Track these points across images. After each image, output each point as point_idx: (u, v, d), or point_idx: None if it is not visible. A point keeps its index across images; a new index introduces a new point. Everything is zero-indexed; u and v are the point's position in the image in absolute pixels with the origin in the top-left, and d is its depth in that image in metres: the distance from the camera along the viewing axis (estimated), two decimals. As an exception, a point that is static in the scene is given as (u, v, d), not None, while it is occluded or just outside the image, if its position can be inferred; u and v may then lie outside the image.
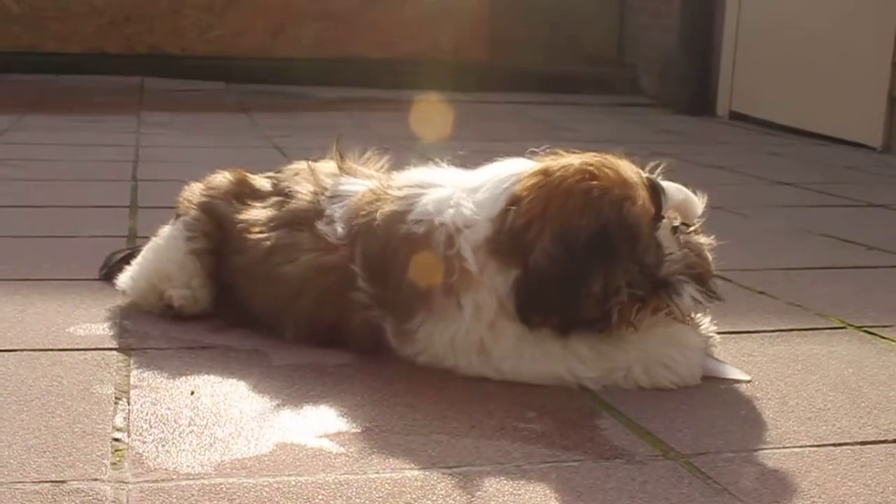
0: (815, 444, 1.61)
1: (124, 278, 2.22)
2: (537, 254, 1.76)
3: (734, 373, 1.90)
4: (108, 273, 2.36)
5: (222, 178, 2.26)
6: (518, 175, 1.85)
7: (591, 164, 1.81)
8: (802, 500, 1.41)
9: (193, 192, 2.27)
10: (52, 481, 1.39)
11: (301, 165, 2.21)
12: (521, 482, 1.44)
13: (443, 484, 1.43)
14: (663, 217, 1.82)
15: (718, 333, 1.99)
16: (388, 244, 1.89)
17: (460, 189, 1.89)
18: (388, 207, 1.92)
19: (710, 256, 1.90)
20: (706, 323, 1.95)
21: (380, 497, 1.38)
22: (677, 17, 6.97)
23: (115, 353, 1.94)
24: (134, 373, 1.84)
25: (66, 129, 5.23)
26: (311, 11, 7.68)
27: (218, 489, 1.39)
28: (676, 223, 1.85)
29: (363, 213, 1.95)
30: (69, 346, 1.97)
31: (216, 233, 2.18)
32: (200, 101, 6.62)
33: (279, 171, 2.25)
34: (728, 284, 2.58)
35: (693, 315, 1.89)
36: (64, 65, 7.36)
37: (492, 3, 7.83)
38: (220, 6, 7.66)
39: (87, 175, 3.96)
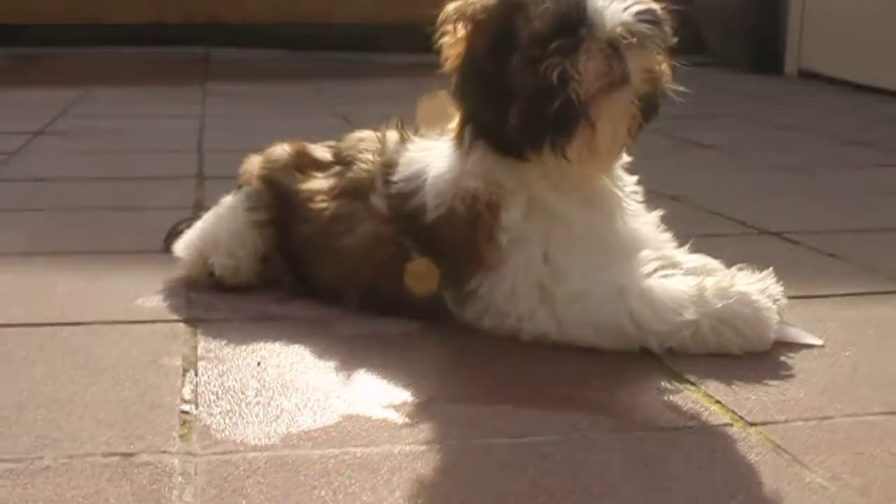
0: (889, 411, 1.58)
1: (179, 245, 2.25)
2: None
3: (806, 337, 1.87)
4: (171, 243, 2.37)
5: (282, 150, 2.27)
6: None
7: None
8: (875, 469, 1.38)
9: (253, 164, 2.28)
10: (121, 454, 1.40)
11: (364, 133, 2.21)
12: (587, 452, 1.43)
13: (508, 454, 1.42)
14: None
15: (787, 297, 1.96)
16: (422, 221, 1.92)
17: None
18: (398, 188, 1.97)
19: None
20: (773, 285, 1.91)
21: (445, 467, 1.38)
22: (744, -32, 6.84)
23: (182, 324, 1.96)
24: (201, 344, 1.85)
25: (131, 100, 5.29)
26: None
27: (285, 461, 1.39)
28: None
29: (397, 188, 1.98)
30: (138, 318, 1.99)
31: (277, 204, 2.19)
32: (263, 70, 6.65)
33: (340, 140, 2.25)
34: (796, 247, 2.54)
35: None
36: (126, 36, 7.43)
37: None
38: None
39: (154, 146, 4.00)
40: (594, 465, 1.39)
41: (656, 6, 1.82)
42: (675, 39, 1.85)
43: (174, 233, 2.42)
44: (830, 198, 3.17)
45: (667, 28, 1.83)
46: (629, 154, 1.96)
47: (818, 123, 4.74)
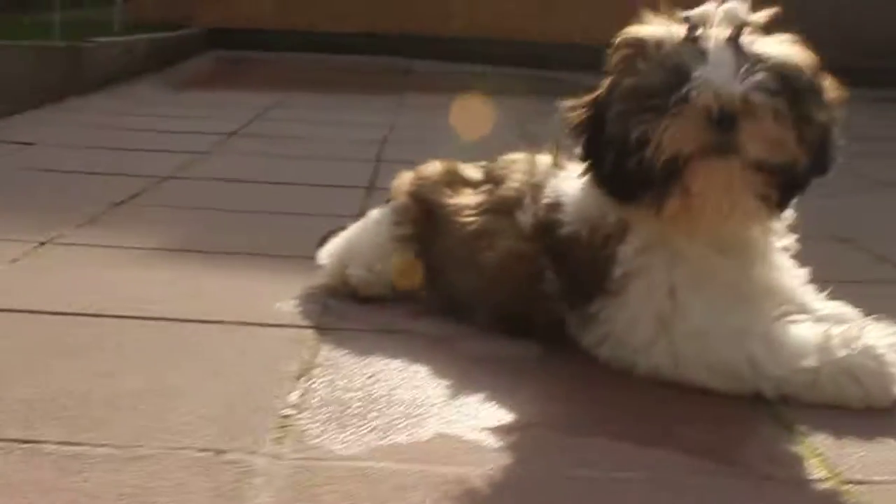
0: None
1: (323, 253, 2.32)
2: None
3: (932, 396, 1.79)
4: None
5: (433, 168, 2.32)
6: None
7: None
8: (968, 540, 1.32)
9: (404, 180, 2.34)
10: (214, 450, 1.46)
11: (517, 155, 2.23)
12: (666, 493, 1.41)
13: (587, 487, 1.42)
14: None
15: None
16: (559, 241, 1.94)
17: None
18: (544, 206, 1.99)
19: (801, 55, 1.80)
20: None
21: (519, 494, 1.39)
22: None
23: (310, 330, 2.03)
24: (322, 351, 1.91)
25: (327, 107, 5.46)
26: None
27: (364, 472, 1.43)
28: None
29: (543, 206, 1.99)
30: (270, 322, 2.07)
31: (423, 220, 2.24)
32: (463, 84, 6.73)
33: (493, 161, 2.28)
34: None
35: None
36: (335, 44, 7.67)
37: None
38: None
39: (335, 154, 4.13)
40: (670, 508, 1.38)
41: (797, 73, 1.78)
42: (820, 107, 1.81)
43: (325, 240, 2.50)
44: None
45: (805, 94, 1.78)
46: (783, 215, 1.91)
47: None
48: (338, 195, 3.34)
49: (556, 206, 1.98)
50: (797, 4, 1.85)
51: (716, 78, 1.71)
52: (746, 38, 1.77)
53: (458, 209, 2.16)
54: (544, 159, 2.15)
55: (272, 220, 2.99)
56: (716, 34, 1.78)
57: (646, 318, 1.83)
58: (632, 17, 1.88)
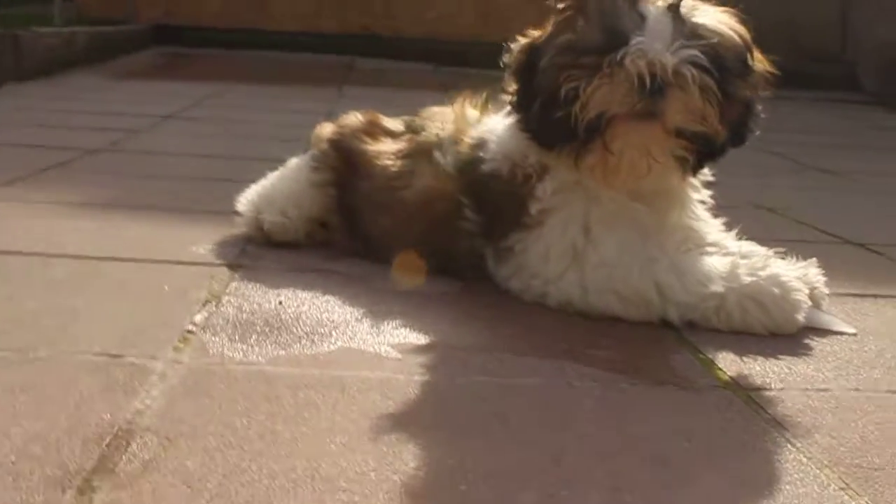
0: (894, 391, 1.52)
1: (241, 201, 2.30)
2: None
3: (838, 325, 1.82)
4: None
5: (354, 118, 2.32)
6: None
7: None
8: (852, 433, 1.34)
9: (325, 129, 2.34)
10: (110, 355, 1.46)
11: (440, 108, 2.25)
12: (563, 394, 1.42)
13: (484, 390, 1.42)
14: None
15: (845, 295, 1.91)
16: (480, 177, 1.95)
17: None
18: (467, 148, 2.00)
19: (736, 32, 1.81)
20: (814, 273, 1.87)
21: (415, 395, 1.39)
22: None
23: (224, 268, 2.02)
24: (233, 284, 1.90)
25: (267, 96, 5.45)
26: (522, -3, 7.74)
27: (261, 374, 1.43)
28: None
29: (465, 146, 2.00)
30: (185, 261, 2.05)
31: (342, 166, 2.24)
32: (404, 80, 6.75)
33: (415, 115, 2.29)
34: (876, 256, 2.47)
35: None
36: (283, 42, 7.67)
37: None
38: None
39: (270, 134, 4.12)
40: (564, 405, 1.38)
41: (730, 51, 1.79)
42: (746, 85, 1.83)
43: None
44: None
45: (733, 73, 1.79)
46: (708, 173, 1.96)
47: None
48: (267, 166, 3.31)
49: (479, 144, 1.99)
50: (746, 11, 1.87)
51: (651, 47, 1.72)
52: (686, 6, 1.79)
53: (379, 154, 2.17)
54: (470, 111, 2.16)
55: (198, 185, 2.97)
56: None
57: (559, 250, 1.85)
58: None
